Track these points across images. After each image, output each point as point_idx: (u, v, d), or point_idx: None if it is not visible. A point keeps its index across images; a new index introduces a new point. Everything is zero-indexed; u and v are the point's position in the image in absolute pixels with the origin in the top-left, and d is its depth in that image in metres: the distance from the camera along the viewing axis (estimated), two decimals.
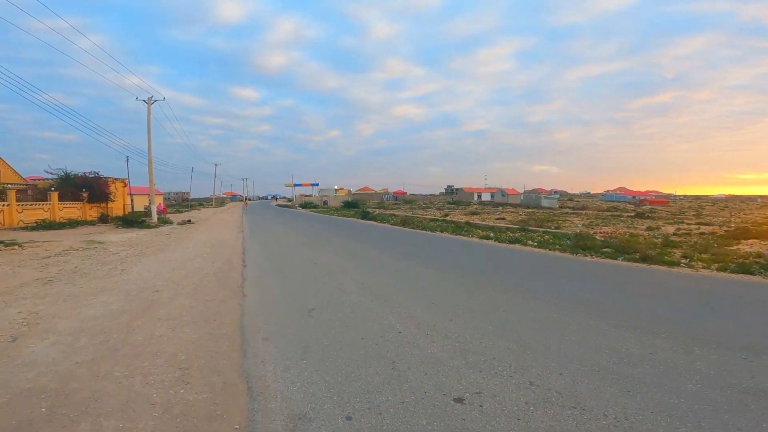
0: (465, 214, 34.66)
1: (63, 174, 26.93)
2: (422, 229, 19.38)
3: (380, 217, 27.92)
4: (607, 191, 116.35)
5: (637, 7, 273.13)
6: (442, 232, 17.80)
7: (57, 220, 22.09)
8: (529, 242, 13.44)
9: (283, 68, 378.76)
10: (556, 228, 19.60)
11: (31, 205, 22.17)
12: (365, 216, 30.10)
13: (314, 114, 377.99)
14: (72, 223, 22.15)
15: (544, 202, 63.19)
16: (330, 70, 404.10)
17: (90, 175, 27.81)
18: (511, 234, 15.92)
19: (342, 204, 58.85)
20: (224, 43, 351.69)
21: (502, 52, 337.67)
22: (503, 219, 28.98)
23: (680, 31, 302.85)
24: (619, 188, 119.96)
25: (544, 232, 16.96)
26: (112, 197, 29.01)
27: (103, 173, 30.75)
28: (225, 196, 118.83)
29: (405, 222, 22.93)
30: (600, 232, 16.29)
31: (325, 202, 67.63)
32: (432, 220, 25.41)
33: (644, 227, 20.68)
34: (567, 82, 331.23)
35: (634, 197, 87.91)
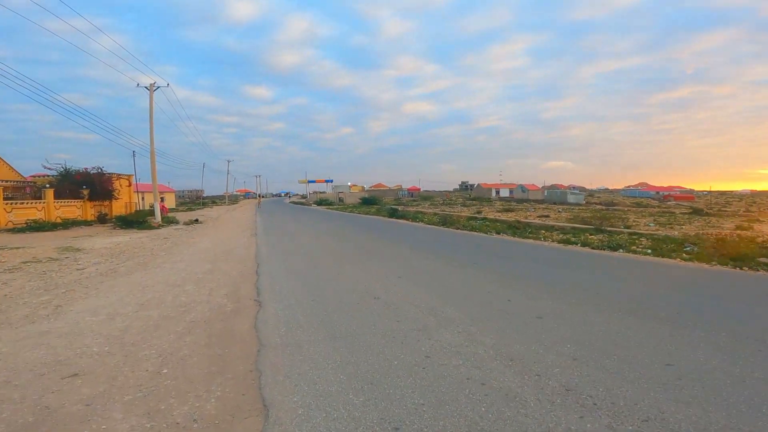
0: (498, 211, 31.50)
1: (62, 170, 24.53)
2: (470, 230, 16.26)
3: (411, 216, 24.81)
4: (628, 187, 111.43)
5: (655, 2, 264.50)
6: (498, 234, 14.67)
7: (51, 220, 19.59)
8: (633, 248, 10.27)
9: (296, 67, 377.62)
10: (626, 227, 16.34)
11: (22, 203, 19.70)
12: (393, 214, 27.04)
13: (326, 112, 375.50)
14: (67, 224, 19.65)
15: (570, 198, 59.36)
16: (342, 68, 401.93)
17: (92, 171, 25.42)
18: (591, 237, 12.73)
19: (359, 201, 55.95)
20: (237, 43, 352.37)
21: (516, 49, 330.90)
22: (547, 216, 25.73)
23: (700, 27, 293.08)
24: (641, 183, 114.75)
25: (631, 233, 13.71)
26: (116, 195, 26.61)
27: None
28: (238, 193, 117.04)
29: (445, 221, 19.81)
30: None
31: (340, 199, 64.83)
32: (470, 218, 22.25)
33: (733, 226, 17.31)
34: (582, 78, 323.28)
35: (657, 193, 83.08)
